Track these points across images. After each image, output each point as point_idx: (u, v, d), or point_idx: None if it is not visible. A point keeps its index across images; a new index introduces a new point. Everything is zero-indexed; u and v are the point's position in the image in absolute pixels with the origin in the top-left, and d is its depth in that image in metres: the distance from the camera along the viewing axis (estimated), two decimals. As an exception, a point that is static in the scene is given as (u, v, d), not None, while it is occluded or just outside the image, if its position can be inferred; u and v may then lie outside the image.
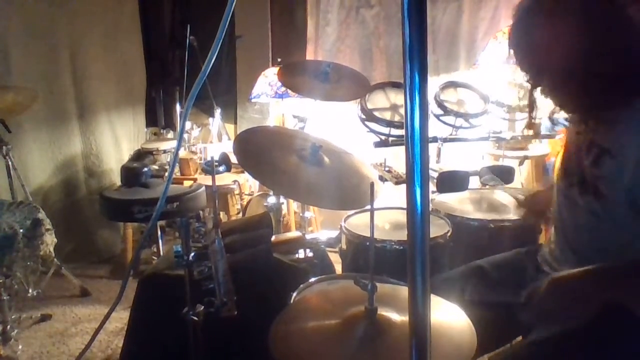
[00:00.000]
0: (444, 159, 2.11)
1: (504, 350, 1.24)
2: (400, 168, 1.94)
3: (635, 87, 1.06)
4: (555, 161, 1.34)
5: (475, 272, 1.42)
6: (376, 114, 1.97)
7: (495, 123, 2.33)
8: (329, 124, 3.11)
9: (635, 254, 1.07)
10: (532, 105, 1.29)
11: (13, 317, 2.30)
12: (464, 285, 1.36)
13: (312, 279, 1.50)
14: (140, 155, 3.04)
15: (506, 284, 1.35)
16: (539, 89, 1.19)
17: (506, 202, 2.04)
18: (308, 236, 1.75)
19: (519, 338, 1.33)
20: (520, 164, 2.61)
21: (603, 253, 1.13)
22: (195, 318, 1.21)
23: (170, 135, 3.54)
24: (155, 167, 2.89)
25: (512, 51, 1.16)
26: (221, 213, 2.88)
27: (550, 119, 1.28)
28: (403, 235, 1.70)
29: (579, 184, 1.19)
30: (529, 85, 1.22)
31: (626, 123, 1.08)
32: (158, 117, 3.72)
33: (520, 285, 1.32)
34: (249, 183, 3.16)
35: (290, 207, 2.86)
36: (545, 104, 1.25)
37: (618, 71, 1.04)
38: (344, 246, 1.82)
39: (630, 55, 1.04)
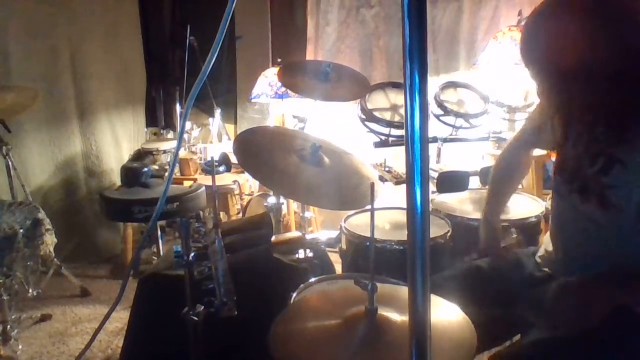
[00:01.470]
0: (444, 159, 2.11)
1: (504, 349, 1.24)
2: (400, 168, 1.94)
3: None
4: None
5: (474, 272, 1.42)
6: (376, 114, 1.97)
7: (495, 123, 2.33)
8: (329, 124, 3.11)
9: (636, 263, 1.07)
10: None
11: (13, 317, 2.30)
12: (461, 284, 1.36)
13: (312, 279, 1.50)
14: (140, 155, 3.04)
15: (504, 284, 1.36)
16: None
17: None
18: (308, 236, 1.75)
19: (518, 337, 1.33)
20: (520, 164, 2.61)
21: (599, 259, 1.13)
22: (195, 318, 1.21)
23: (170, 135, 3.54)
24: (155, 167, 2.88)
25: (523, 60, 1.13)
26: (221, 213, 2.88)
27: None
28: (403, 235, 1.70)
29: (580, 191, 1.17)
30: (531, 87, 1.20)
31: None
32: (158, 117, 3.72)
33: (518, 286, 1.32)
34: (249, 183, 3.16)
35: (290, 207, 2.86)
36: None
37: (633, 77, 1.02)
38: (344, 246, 1.82)
39: None
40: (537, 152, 2.70)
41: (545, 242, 1.36)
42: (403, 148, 0.58)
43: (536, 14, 1.09)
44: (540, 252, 1.37)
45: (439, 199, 2.06)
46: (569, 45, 1.04)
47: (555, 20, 1.06)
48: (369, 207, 1.31)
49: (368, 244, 1.68)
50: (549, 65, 1.09)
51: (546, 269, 1.32)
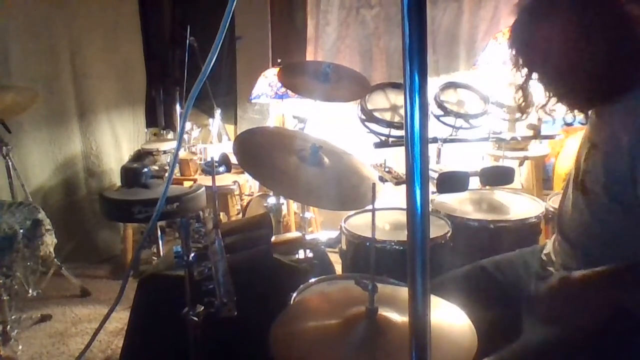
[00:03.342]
0: (444, 159, 2.11)
1: (504, 350, 1.24)
2: (400, 169, 1.94)
3: (622, 82, 1.07)
4: (556, 161, 1.34)
5: (478, 272, 1.42)
6: (376, 114, 1.97)
7: (495, 124, 2.33)
8: (329, 124, 3.11)
9: (621, 248, 1.08)
10: (526, 95, 1.29)
11: (13, 317, 2.30)
12: (466, 285, 1.36)
13: (312, 279, 1.50)
14: (140, 155, 3.04)
15: (509, 284, 1.36)
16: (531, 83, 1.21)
17: (506, 203, 2.04)
18: (308, 237, 1.74)
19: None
20: (520, 164, 2.61)
21: (589, 247, 1.15)
22: (195, 318, 1.20)
23: (170, 135, 3.54)
24: (155, 167, 2.87)
25: (512, 50, 1.17)
26: (221, 213, 2.87)
27: (563, 119, 1.27)
28: (403, 235, 1.70)
29: (573, 180, 1.21)
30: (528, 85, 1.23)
31: (610, 117, 1.10)
32: (158, 118, 3.72)
33: (523, 286, 1.32)
34: (249, 183, 3.15)
35: (290, 208, 2.86)
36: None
37: (608, 67, 1.05)
38: (344, 246, 1.82)
39: (620, 51, 1.05)
40: (537, 152, 2.71)
41: (554, 238, 1.37)
42: (403, 148, 0.58)
43: (521, 10, 1.13)
44: (547, 249, 1.37)
45: (439, 199, 2.06)
46: (540, 40, 1.09)
47: (541, 16, 1.10)
48: (369, 207, 1.31)
49: (368, 244, 1.68)
50: (526, 57, 1.15)
51: (550, 268, 1.32)
